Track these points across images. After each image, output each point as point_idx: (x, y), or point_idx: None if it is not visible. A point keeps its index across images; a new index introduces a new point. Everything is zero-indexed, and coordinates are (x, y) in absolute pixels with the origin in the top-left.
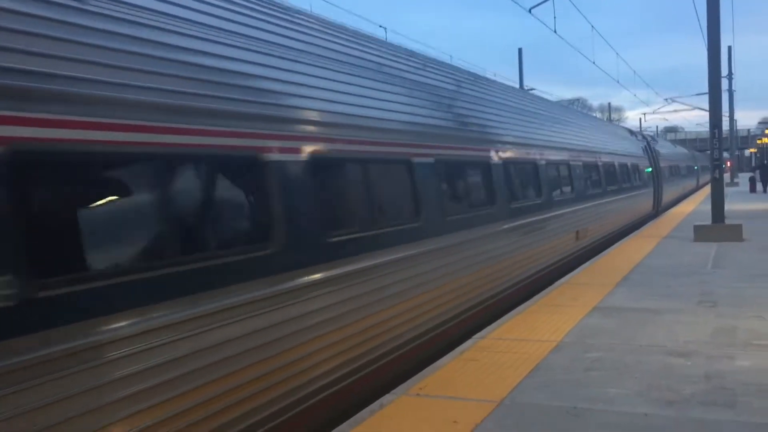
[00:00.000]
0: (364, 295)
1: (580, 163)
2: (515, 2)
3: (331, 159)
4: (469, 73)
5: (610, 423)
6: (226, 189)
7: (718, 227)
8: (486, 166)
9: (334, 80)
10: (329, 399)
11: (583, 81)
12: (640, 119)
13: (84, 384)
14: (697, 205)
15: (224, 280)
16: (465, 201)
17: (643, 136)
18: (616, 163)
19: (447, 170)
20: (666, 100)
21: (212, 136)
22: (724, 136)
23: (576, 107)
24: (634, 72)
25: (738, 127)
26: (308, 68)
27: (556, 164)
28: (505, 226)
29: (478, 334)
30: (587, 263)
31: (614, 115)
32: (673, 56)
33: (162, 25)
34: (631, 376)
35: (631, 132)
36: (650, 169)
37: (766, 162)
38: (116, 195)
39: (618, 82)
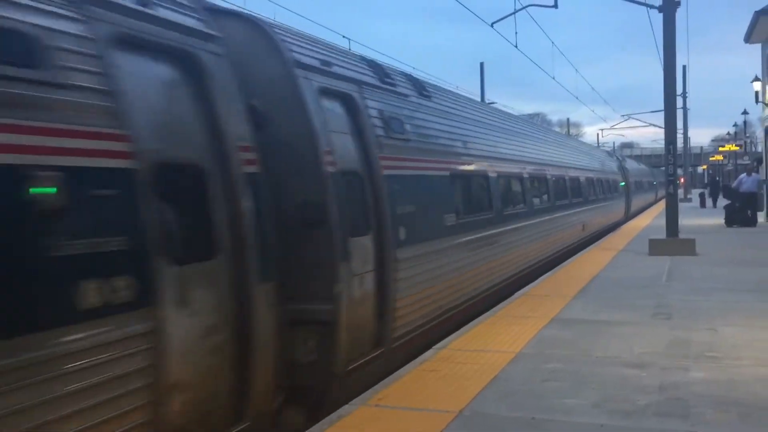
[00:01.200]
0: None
1: (584, 178)
2: (478, 16)
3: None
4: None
5: None
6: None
7: (672, 241)
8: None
9: None
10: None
11: (543, 96)
12: (598, 135)
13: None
14: (651, 219)
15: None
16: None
17: (617, 157)
18: (602, 179)
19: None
20: (623, 116)
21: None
22: (678, 153)
23: (536, 122)
24: (592, 88)
25: (692, 145)
26: None
27: (573, 178)
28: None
29: (438, 344)
30: (546, 275)
31: (573, 131)
32: (629, 73)
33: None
34: (588, 387)
35: (610, 154)
36: (623, 184)
37: (717, 179)
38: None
39: (577, 98)
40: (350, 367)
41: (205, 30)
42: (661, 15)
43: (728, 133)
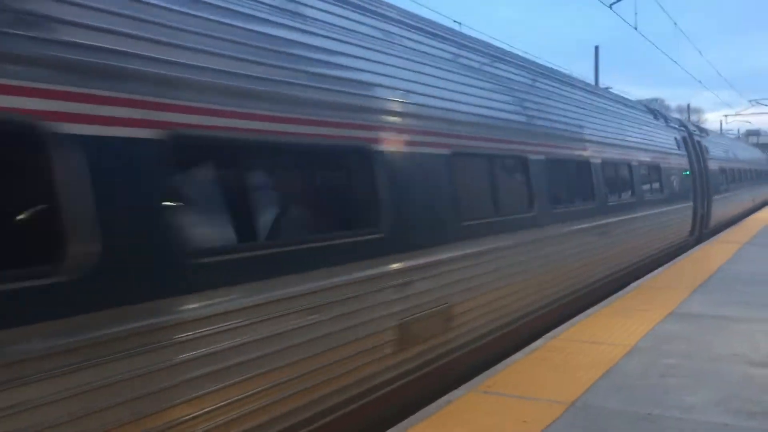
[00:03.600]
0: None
1: (753, 170)
2: None
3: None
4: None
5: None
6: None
7: None
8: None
9: None
10: None
11: (663, 80)
12: (721, 121)
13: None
14: None
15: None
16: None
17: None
18: (761, 170)
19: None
20: (750, 101)
21: None
22: None
23: (656, 107)
24: (718, 72)
25: None
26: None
27: (752, 170)
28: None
29: (549, 334)
30: (664, 267)
31: (693, 117)
32: (758, 56)
33: None
34: (710, 385)
35: (764, 146)
36: None
37: None
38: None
39: (700, 82)
40: (706, 231)
41: (690, 131)
42: None
43: None
